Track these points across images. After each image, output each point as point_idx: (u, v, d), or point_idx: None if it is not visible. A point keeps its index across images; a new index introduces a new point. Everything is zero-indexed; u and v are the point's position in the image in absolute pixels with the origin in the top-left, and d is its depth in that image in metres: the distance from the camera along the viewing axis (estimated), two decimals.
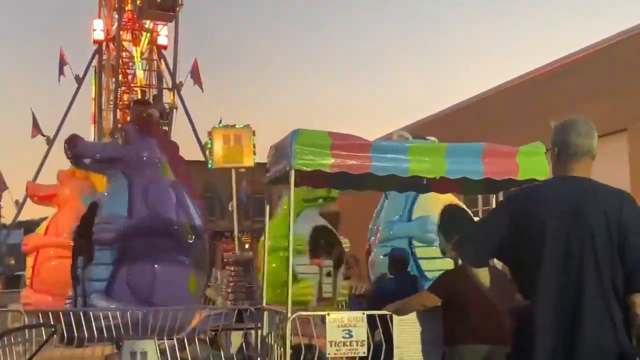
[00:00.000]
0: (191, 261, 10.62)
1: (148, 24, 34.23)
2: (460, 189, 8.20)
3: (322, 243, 16.99)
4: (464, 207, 12.56)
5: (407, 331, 6.29)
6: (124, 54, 34.28)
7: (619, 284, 2.82)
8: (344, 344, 6.22)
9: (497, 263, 3.35)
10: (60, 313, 8.34)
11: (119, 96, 33.44)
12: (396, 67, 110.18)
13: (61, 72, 32.88)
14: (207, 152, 19.27)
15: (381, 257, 12.03)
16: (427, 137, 10.95)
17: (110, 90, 34.23)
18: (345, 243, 17.83)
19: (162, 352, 7.91)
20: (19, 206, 31.78)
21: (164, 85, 34.34)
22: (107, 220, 10.35)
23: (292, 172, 6.44)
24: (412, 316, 6.20)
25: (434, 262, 10.79)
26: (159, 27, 34.19)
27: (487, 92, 24.04)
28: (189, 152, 37.02)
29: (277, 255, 13.83)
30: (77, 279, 10.31)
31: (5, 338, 7.33)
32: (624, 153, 17.64)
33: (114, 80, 33.78)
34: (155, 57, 34.73)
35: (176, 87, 33.27)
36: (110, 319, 8.73)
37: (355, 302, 9.02)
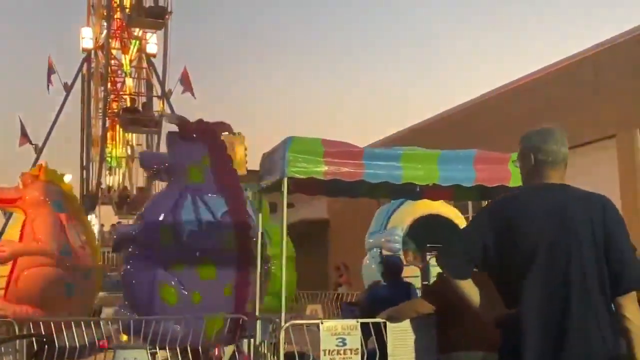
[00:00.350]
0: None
1: (137, 32, 34.15)
2: (452, 195, 8.24)
3: None
4: (451, 215, 12.73)
5: (400, 339, 6.29)
6: (112, 62, 34.18)
7: (606, 288, 2.86)
8: (338, 353, 6.21)
9: None
10: (52, 323, 8.22)
11: (108, 104, 33.31)
12: (387, 76, 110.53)
13: (49, 80, 32.75)
14: None
15: (364, 265, 13.69)
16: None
17: (99, 98, 34.10)
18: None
19: None
20: (7, 216, 31.56)
21: (154, 93, 34.24)
22: None
23: (286, 180, 6.45)
24: (406, 323, 6.20)
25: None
26: (148, 35, 34.12)
27: (476, 99, 24.16)
28: None
29: None
30: None
31: None
32: (613, 159, 17.75)
33: (102, 88, 33.66)
34: (144, 65, 34.64)
35: (165, 95, 33.18)
36: (101, 326, 8.65)
37: (347, 310, 9.00)
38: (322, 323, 6.32)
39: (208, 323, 8.69)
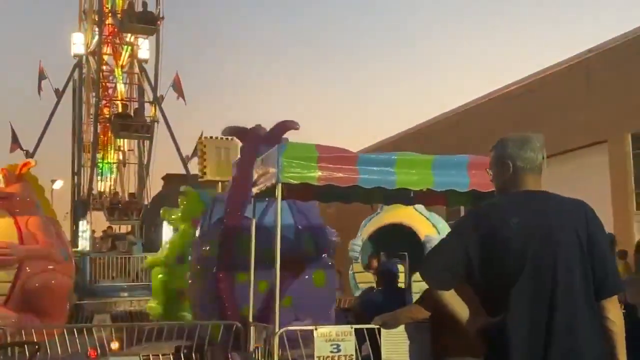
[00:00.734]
0: None
1: (129, 37, 34.08)
2: (446, 201, 8.24)
3: None
4: (418, 225, 12.99)
5: (394, 344, 6.27)
6: (104, 67, 34.09)
7: (591, 294, 2.89)
8: (332, 359, 6.19)
9: None
10: (44, 331, 8.15)
11: (99, 110, 33.19)
12: (378, 82, 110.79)
13: (40, 86, 32.63)
14: (200, 160, 18.61)
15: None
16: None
17: (91, 104, 33.98)
18: None
19: None
20: None
21: (145, 99, 34.14)
22: None
23: (280, 186, 6.43)
24: (400, 329, 6.17)
25: (359, 275, 13.45)
26: (140, 40, 34.04)
27: (468, 104, 24.23)
28: (170, 165, 36.83)
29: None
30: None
31: None
32: (605, 164, 17.82)
33: (94, 94, 33.54)
34: (136, 70, 34.55)
35: (157, 101, 33.09)
36: (94, 333, 8.60)
37: (341, 316, 8.97)
38: (316, 329, 6.30)
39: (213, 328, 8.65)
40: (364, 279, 12.88)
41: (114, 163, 34.45)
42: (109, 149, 34.14)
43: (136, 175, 34.73)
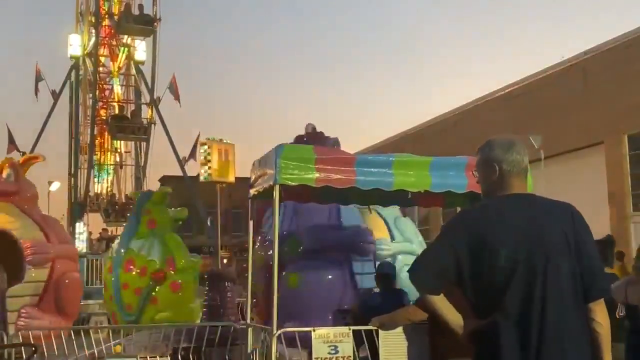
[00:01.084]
0: None
1: (126, 39, 34.08)
2: (444, 202, 8.23)
3: None
4: None
5: (393, 346, 6.25)
6: (101, 69, 34.08)
7: (579, 297, 2.93)
8: None
9: None
10: (41, 333, 8.13)
11: (96, 111, 33.18)
12: (376, 82, 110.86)
13: (36, 87, 32.62)
14: (203, 161, 18.56)
15: None
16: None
17: (88, 105, 33.96)
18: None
19: None
20: None
21: (142, 101, 34.15)
22: None
23: (277, 187, 6.42)
24: (398, 331, 6.16)
25: None
26: (137, 42, 34.04)
27: (465, 106, 24.27)
28: (167, 167, 36.81)
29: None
30: None
31: None
32: (602, 165, 17.86)
33: (90, 95, 33.53)
34: (132, 72, 34.54)
35: (154, 102, 33.09)
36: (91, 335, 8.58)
37: (339, 317, 8.94)
38: (314, 330, 6.29)
39: None
40: None
41: (110, 165, 34.43)
42: (105, 151, 34.14)
43: (133, 177, 34.73)
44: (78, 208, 30.57)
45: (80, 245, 26.57)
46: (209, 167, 18.05)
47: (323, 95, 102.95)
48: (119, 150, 34.80)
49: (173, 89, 32.28)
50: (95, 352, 8.43)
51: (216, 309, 13.38)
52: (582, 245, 2.96)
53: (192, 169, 35.32)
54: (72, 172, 33.21)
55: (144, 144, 33.48)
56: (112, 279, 13.48)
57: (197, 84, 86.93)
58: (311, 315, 8.08)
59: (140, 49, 34.10)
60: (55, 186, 32.50)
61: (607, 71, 17.67)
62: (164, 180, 44.32)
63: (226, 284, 13.82)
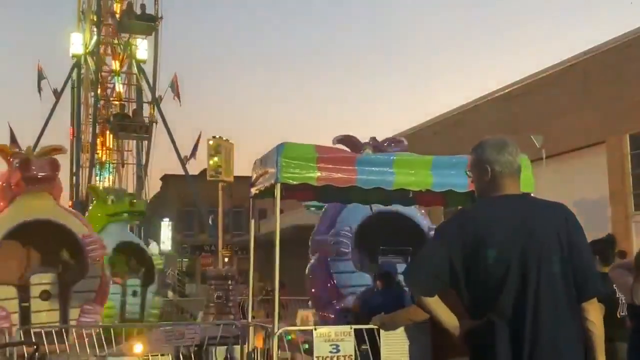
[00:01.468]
0: None
1: (127, 38, 34.09)
2: (445, 201, 8.24)
3: (127, 260, 16.11)
4: None
5: (394, 345, 6.25)
6: (102, 67, 34.09)
7: (572, 297, 2.94)
8: (332, 359, 6.18)
9: None
10: (42, 331, 8.14)
11: (98, 110, 33.20)
12: (376, 82, 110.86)
13: (39, 86, 32.62)
14: (214, 163, 18.54)
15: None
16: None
17: (89, 104, 33.97)
18: (157, 260, 17.31)
19: None
20: None
21: (144, 99, 34.16)
22: None
23: (278, 186, 6.42)
24: (400, 330, 6.16)
25: None
26: (138, 40, 34.05)
27: (465, 105, 24.25)
28: (169, 166, 36.85)
29: None
30: None
31: None
32: (603, 165, 17.84)
33: (92, 94, 33.54)
34: (134, 71, 34.55)
35: (156, 101, 33.11)
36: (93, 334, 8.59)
37: (341, 316, 8.96)
38: (315, 329, 6.29)
39: None
40: None
41: (112, 163, 34.42)
42: (107, 150, 34.13)
43: (134, 176, 34.74)
44: (79, 206, 30.56)
45: None
46: (219, 166, 18.00)
47: (324, 93, 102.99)
48: (120, 149, 34.79)
49: (175, 87, 32.30)
50: (106, 350, 8.45)
51: (220, 307, 13.41)
52: (575, 245, 2.97)
53: (193, 167, 35.41)
54: (74, 170, 33.21)
55: (145, 143, 33.48)
56: None
57: (198, 82, 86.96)
58: None
59: (142, 47, 34.10)
60: None
61: (608, 71, 17.64)
62: (165, 179, 44.37)
63: (229, 283, 13.85)
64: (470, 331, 3.00)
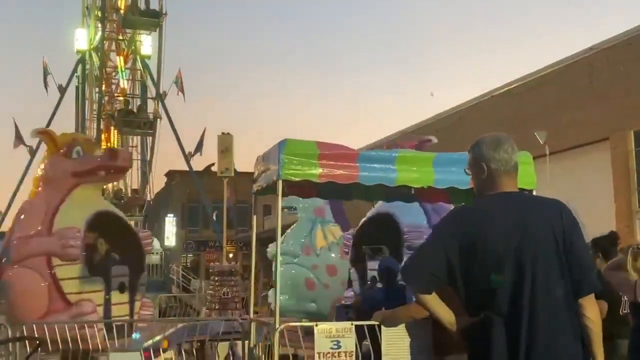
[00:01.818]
0: None
1: (132, 33, 34.11)
2: (448, 198, 8.23)
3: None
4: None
5: (395, 341, 6.26)
6: (107, 63, 34.13)
7: (569, 293, 2.95)
8: (333, 355, 6.19)
9: None
10: (45, 326, 8.17)
11: (102, 106, 33.25)
12: (378, 77, 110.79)
13: (45, 81, 32.69)
14: (222, 156, 18.49)
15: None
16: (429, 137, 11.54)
17: (94, 100, 34.02)
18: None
19: None
20: (1, 216, 31.47)
21: (148, 95, 34.19)
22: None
23: (280, 182, 6.43)
24: (401, 326, 6.17)
25: None
26: (143, 36, 34.07)
27: (469, 102, 24.21)
28: (173, 161, 36.82)
29: None
30: None
31: None
32: (607, 162, 17.80)
33: (97, 89, 33.59)
34: (138, 67, 34.58)
35: (160, 97, 33.13)
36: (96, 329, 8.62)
37: (342, 312, 8.97)
38: (316, 325, 6.31)
39: None
40: None
41: None
42: (111, 145, 34.15)
43: (139, 172, 34.78)
44: None
45: None
46: (231, 162, 18.00)
47: (325, 91, 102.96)
48: (124, 145, 34.82)
49: (179, 83, 32.31)
50: (116, 344, 8.48)
51: (224, 303, 13.46)
52: (571, 241, 2.98)
53: (197, 163, 35.43)
54: None
55: (149, 139, 33.51)
56: None
57: (203, 78, 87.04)
58: None
59: (146, 43, 34.12)
60: None
61: (613, 67, 17.59)
62: (170, 174, 44.43)
63: (232, 279, 13.90)
64: (468, 328, 3.02)
